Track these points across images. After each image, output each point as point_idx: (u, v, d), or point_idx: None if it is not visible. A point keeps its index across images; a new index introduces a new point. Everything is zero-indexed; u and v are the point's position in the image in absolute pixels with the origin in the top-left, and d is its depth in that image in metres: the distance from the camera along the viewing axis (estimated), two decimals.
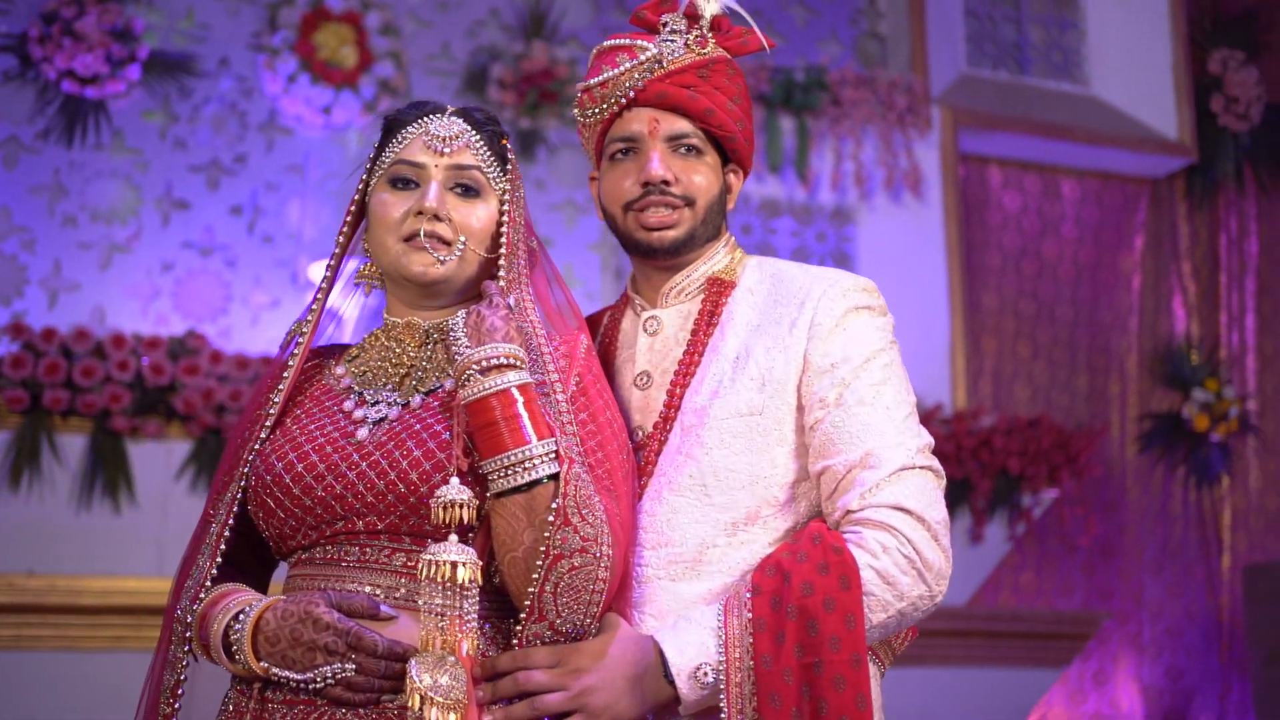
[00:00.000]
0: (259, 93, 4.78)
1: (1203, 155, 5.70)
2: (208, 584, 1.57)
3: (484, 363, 1.51)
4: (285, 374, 1.66)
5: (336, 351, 1.76)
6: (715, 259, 1.78)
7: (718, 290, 1.75)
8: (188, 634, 1.55)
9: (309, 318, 1.69)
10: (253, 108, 4.79)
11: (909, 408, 1.64)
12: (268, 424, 1.63)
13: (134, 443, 4.05)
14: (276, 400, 1.64)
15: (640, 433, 1.71)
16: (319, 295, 1.70)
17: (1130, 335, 5.69)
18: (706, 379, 1.68)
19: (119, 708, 3.91)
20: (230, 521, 1.59)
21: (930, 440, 1.63)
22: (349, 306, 1.77)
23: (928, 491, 1.57)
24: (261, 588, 1.68)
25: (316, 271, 4.53)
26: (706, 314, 1.74)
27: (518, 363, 1.52)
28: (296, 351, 1.67)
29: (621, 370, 1.78)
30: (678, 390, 1.70)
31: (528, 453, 1.48)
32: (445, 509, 1.45)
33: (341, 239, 1.71)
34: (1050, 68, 5.61)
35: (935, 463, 1.61)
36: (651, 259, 1.76)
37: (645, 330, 1.78)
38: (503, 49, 5.02)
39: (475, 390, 1.50)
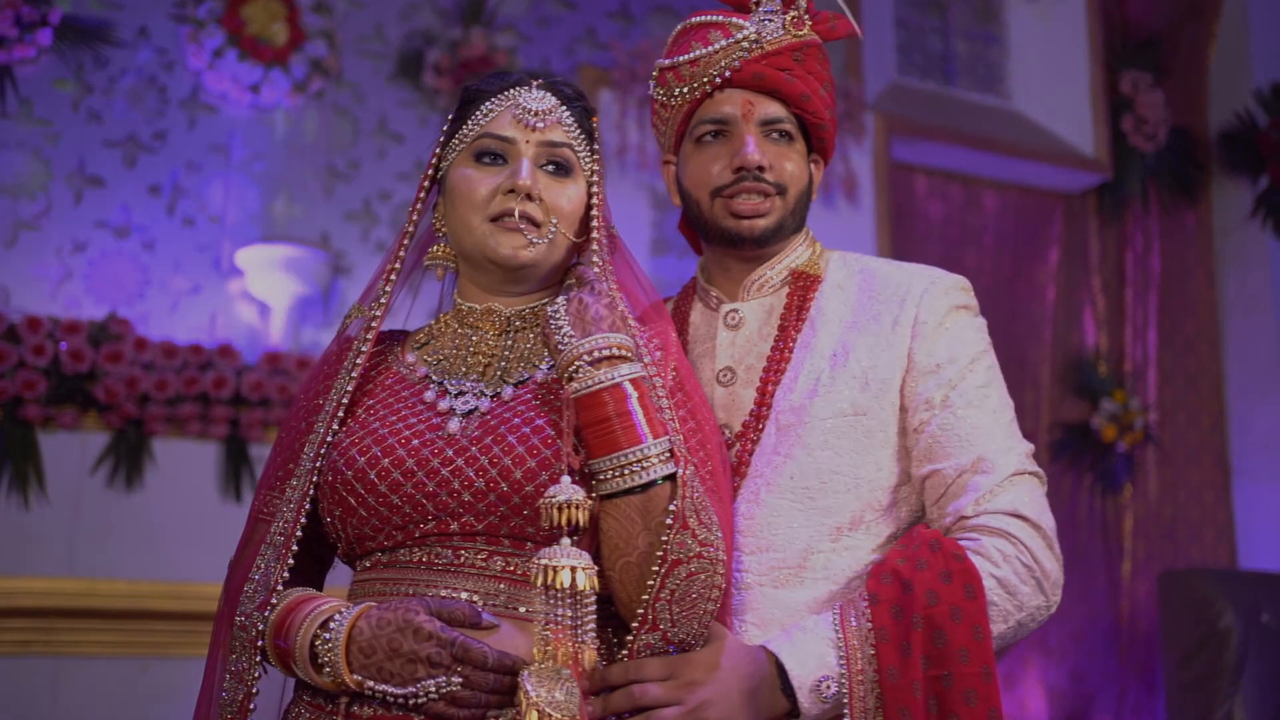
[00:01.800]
0: (181, 66, 4.52)
1: (1114, 173, 5.84)
2: (278, 589, 1.42)
3: (594, 354, 1.40)
4: (358, 360, 1.51)
5: (398, 337, 1.63)
6: (798, 252, 1.71)
7: (804, 285, 1.68)
8: (259, 643, 1.40)
9: (381, 299, 1.55)
10: (174, 82, 4.52)
11: (1011, 411, 1.59)
12: (339, 415, 1.49)
13: (46, 433, 3.78)
14: (348, 389, 1.50)
15: (727, 431, 1.62)
16: (389, 276, 1.56)
17: (1044, 346, 5.79)
18: (801, 376, 1.60)
19: (23, 714, 3.65)
20: (302, 520, 1.44)
21: (1031, 445, 1.58)
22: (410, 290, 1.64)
23: (1039, 498, 1.53)
24: (317, 589, 1.54)
25: (244, 258, 4.29)
26: (794, 309, 1.66)
27: (628, 354, 1.42)
28: (368, 336, 1.53)
29: (698, 365, 1.69)
30: (769, 387, 1.61)
31: (643, 452, 1.37)
32: (559, 510, 1.34)
33: (415, 216, 1.58)
34: (975, 80, 5.68)
35: (1040, 469, 1.57)
36: (736, 249, 1.67)
37: (726, 324, 1.69)
38: (437, 34, 4.85)
39: (586, 384, 1.39)
